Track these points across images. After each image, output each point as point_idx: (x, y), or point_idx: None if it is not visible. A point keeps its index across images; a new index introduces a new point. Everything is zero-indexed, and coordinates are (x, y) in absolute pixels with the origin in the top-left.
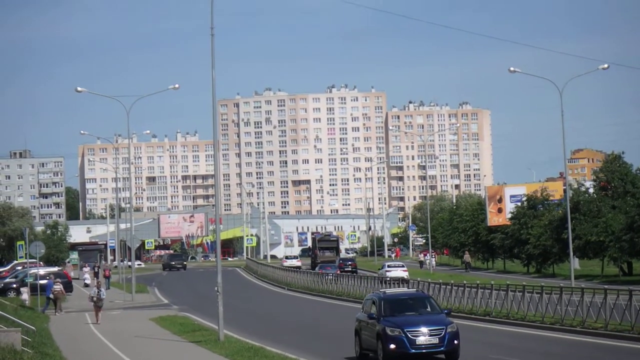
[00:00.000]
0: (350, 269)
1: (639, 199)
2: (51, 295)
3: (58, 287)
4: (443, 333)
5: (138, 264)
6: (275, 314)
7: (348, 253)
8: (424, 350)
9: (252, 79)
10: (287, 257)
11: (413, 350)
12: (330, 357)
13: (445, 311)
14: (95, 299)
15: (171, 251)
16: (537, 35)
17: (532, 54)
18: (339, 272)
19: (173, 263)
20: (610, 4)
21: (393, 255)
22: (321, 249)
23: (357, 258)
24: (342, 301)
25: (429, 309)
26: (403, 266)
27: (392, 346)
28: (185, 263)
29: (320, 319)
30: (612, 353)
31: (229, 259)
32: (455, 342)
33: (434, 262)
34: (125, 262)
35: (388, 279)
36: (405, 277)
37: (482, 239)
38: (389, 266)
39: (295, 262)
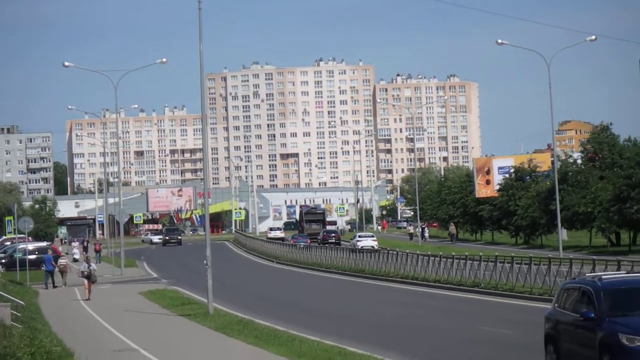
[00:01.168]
0: (333, 241)
1: (627, 169)
2: (56, 269)
3: (64, 260)
4: None
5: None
6: (264, 287)
7: (347, 225)
8: None
9: (240, 53)
10: (271, 229)
11: None
12: (317, 329)
13: None
14: (85, 273)
15: (159, 226)
16: (525, 8)
17: (520, 27)
18: (308, 241)
19: (167, 238)
20: None
21: (379, 228)
22: (308, 221)
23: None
24: (329, 273)
25: None
26: (373, 236)
27: None
28: (180, 238)
29: (307, 292)
30: None
31: (223, 232)
32: None
33: (426, 234)
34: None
35: (359, 248)
36: (375, 246)
37: (470, 211)
38: (359, 236)
39: (279, 234)
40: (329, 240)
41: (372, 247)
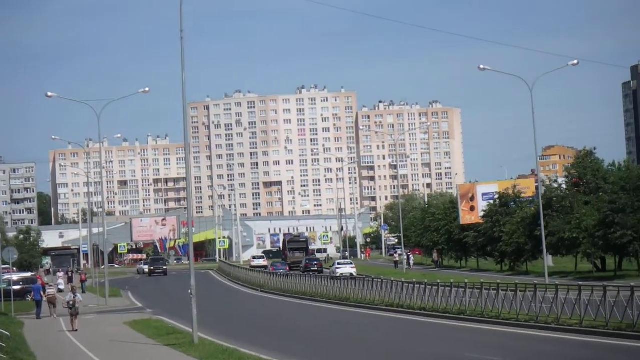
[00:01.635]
0: (316, 269)
1: (611, 194)
2: (44, 299)
3: (52, 290)
4: None
5: (110, 265)
6: (249, 315)
7: (338, 253)
8: None
9: (222, 82)
10: (254, 257)
11: None
12: (304, 357)
13: None
14: (71, 303)
15: (143, 255)
16: (507, 33)
17: (502, 52)
18: (287, 269)
19: (152, 268)
20: (579, 1)
21: (363, 256)
22: (291, 249)
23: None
24: (312, 301)
25: None
26: (351, 264)
27: None
28: (165, 268)
29: (294, 319)
30: (588, 349)
31: (205, 260)
32: None
33: (411, 261)
34: (104, 266)
35: (338, 275)
36: (354, 273)
37: (455, 238)
38: (338, 263)
39: (262, 262)
40: (311, 268)
41: (351, 274)
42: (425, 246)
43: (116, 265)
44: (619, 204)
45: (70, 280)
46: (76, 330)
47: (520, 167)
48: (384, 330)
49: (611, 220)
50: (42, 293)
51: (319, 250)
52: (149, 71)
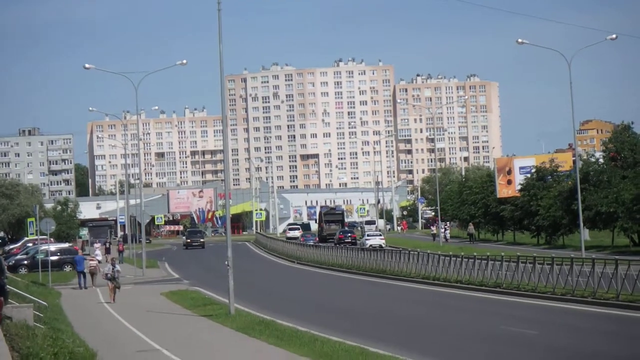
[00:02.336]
0: (349, 240)
1: None
2: (86, 270)
3: (94, 262)
4: None
5: (147, 240)
6: (286, 288)
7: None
8: None
9: (260, 54)
10: (290, 228)
11: None
12: (338, 329)
13: None
14: (109, 275)
15: (180, 227)
16: (546, 6)
17: (540, 26)
18: (317, 239)
19: (189, 240)
20: None
21: (399, 229)
22: (327, 221)
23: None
24: (348, 273)
25: None
26: (381, 235)
27: None
28: (203, 240)
29: (328, 292)
30: (624, 323)
31: (244, 233)
32: None
33: (448, 235)
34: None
35: (367, 246)
36: (382, 244)
37: (491, 211)
38: (368, 235)
39: (297, 233)
40: (345, 240)
41: (380, 245)
42: (462, 219)
43: (150, 239)
44: None
45: (107, 251)
46: (114, 302)
47: (557, 141)
48: (421, 303)
49: None
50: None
51: (369, 222)
52: (187, 44)
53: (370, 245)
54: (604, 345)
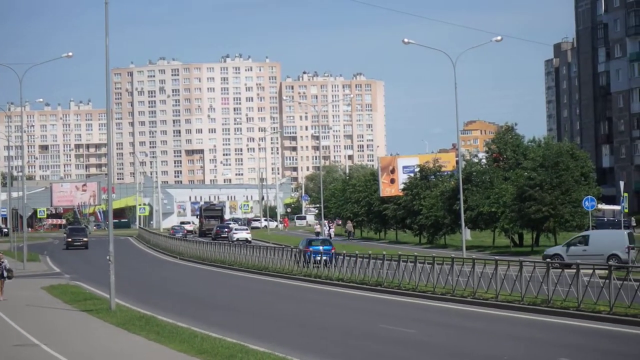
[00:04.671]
0: (226, 235)
1: (530, 170)
2: None
3: None
4: None
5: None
6: (167, 283)
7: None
8: None
9: (147, 48)
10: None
11: None
12: (220, 326)
13: None
14: None
15: (63, 221)
16: (432, 7)
17: (427, 26)
18: (185, 232)
19: (71, 240)
20: None
21: (281, 226)
22: (207, 217)
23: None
24: (228, 269)
25: None
26: (247, 229)
27: None
28: (86, 240)
29: (209, 288)
30: (503, 323)
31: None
32: None
33: (332, 232)
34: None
35: (235, 240)
36: (249, 238)
37: (374, 210)
38: (236, 229)
39: (188, 227)
40: (222, 235)
41: (246, 239)
42: (345, 217)
43: (30, 230)
44: (537, 179)
45: None
46: (5, 299)
47: (441, 141)
48: (302, 300)
49: (527, 195)
50: None
51: (255, 219)
52: (73, 36)
53: (237, 239)
54: (480, 344)
